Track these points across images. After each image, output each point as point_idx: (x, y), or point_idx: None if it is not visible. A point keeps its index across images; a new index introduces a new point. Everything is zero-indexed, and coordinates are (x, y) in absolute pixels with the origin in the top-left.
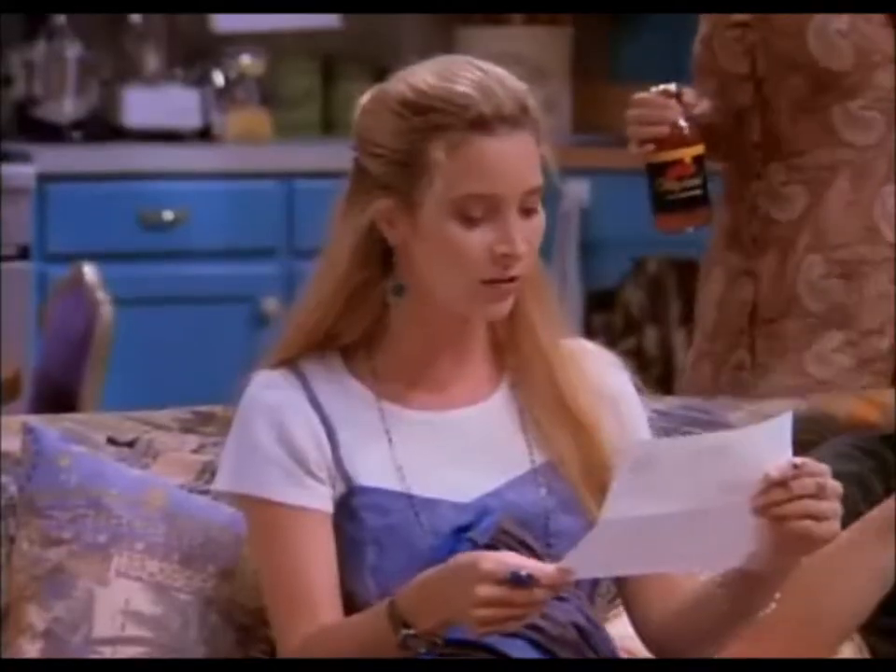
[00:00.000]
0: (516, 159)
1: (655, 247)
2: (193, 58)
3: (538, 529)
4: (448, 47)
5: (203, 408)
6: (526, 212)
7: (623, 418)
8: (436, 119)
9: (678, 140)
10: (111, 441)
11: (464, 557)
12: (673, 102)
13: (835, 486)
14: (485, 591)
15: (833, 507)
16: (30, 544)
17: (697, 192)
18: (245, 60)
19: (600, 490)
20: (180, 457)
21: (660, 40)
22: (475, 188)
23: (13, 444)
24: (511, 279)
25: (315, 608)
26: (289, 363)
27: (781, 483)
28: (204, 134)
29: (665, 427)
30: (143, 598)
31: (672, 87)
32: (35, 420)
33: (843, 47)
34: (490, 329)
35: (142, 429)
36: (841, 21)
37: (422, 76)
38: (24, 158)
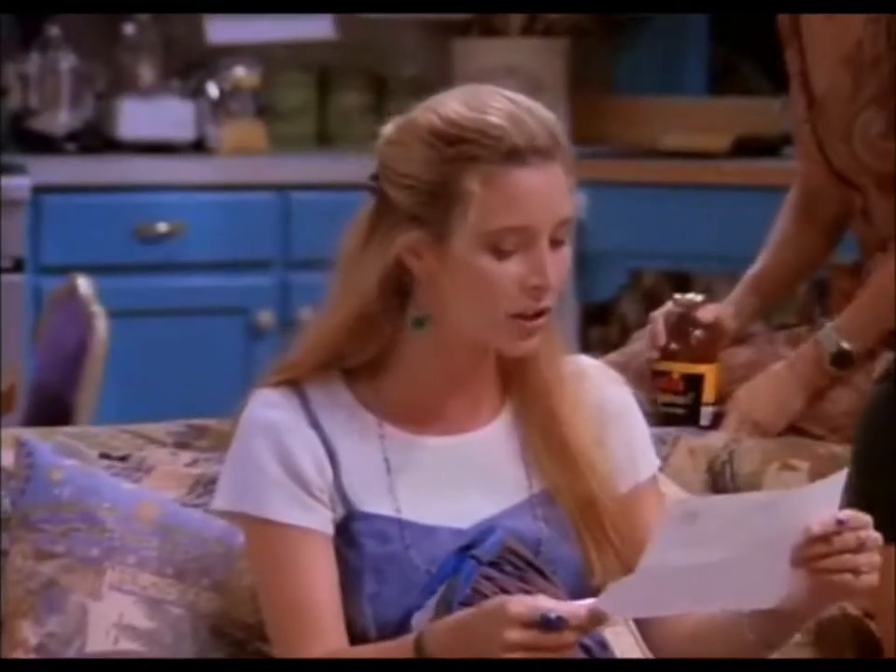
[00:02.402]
0: (549, 190)
1: (652, 260)
2: (188, 70)
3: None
4: (444, 59)
5: (198, 421)
6: (555, 244)
7: (628, 434)
8: (469, 150)
9: (668, 354)
10: (104, 457)
11: (493, 601)
12: (675, 316)
13: (876, 538)
14: (514, 635)
15: (872, 560)
16: (23, 559)
17: (678, 410)
18: (240, 72)
19: (596, 520)
20: (173, 471)
21: (656, 52)
22: (510, 220)
23: (7, 458)
24: (540, 313)
25: (320, 627)
26: (292, 383)
27: (823, 539)
28: (199, 146)
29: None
30: (136, 612)
31: (694, 298)
32: (29, 434)
33: (887, 150)
34: (498, 355)
35: (135, 443)
36: (878, 123)
37: (452, 105)
38: (19, 170)
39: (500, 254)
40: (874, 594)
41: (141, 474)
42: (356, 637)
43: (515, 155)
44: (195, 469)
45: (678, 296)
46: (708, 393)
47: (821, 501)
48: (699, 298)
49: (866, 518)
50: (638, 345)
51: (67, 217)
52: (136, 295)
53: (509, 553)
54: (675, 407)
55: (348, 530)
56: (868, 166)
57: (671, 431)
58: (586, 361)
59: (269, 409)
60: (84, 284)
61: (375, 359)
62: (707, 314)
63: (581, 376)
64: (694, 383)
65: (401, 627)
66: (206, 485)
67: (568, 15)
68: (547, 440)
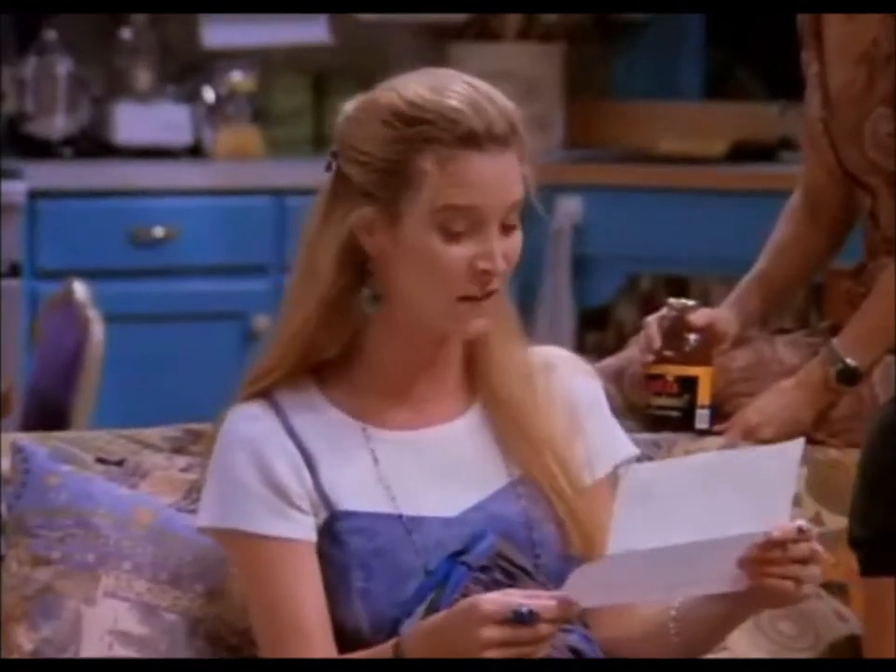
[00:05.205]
0: (502, 175)
1: (649, 264)
2: (184, 74)
3: (523, 541)
4: (440, 63)
5: (193, 426)
6: (506, 229)
7: (597, 425)
8: (426, 131)
9: (662, 358)
10: (100, 461)
11: (464, 601)
12: (669, 320)
13: (822, 552)
14: (489, 633)
15: (816, 573)
16: (19, 564)
17: (673, 413)
18: (236, 76)
19: (574, 499)
20: (169, 476)
21: (653, 57)
22: (460, 199)
23: (4, 463)
24: (488, 295)
25: (307, 638)
26: (264, 394)
27: (780, 544)
28: (195, 151)
29: None
30: (130, 618)
31: (687, 302)
32: (25, 439)
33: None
34: (465, 344)
35: (131, 448)
36: (889, 121)
37: (413, 87)
38: (15, 174)
39: (450, 236)
40: (867, 627)
41: (137, 479)
42: (349, 636)
43: (471, 139)
44: (191, 475)
45: (671, 300)
46: (703, 396)
47: (778, 469)
48: (692, 302)
49: (815, 529)
50: (635, 350)
51: (64, 221)
52: (132, 300)
53: (499, 559)
54: (670, 410)
55: (332, 531)
56: (878, 165)
57: (667, 436)
58: (554, 352)
59: (245, 422)
60: (80, 288)
61: (343, 354)
62: (700, 318)
63: (549, 368)
64: (689, 385)
65: (396, 624)
66: (202, 490)
67: (565, 19)
68: (518, 431)
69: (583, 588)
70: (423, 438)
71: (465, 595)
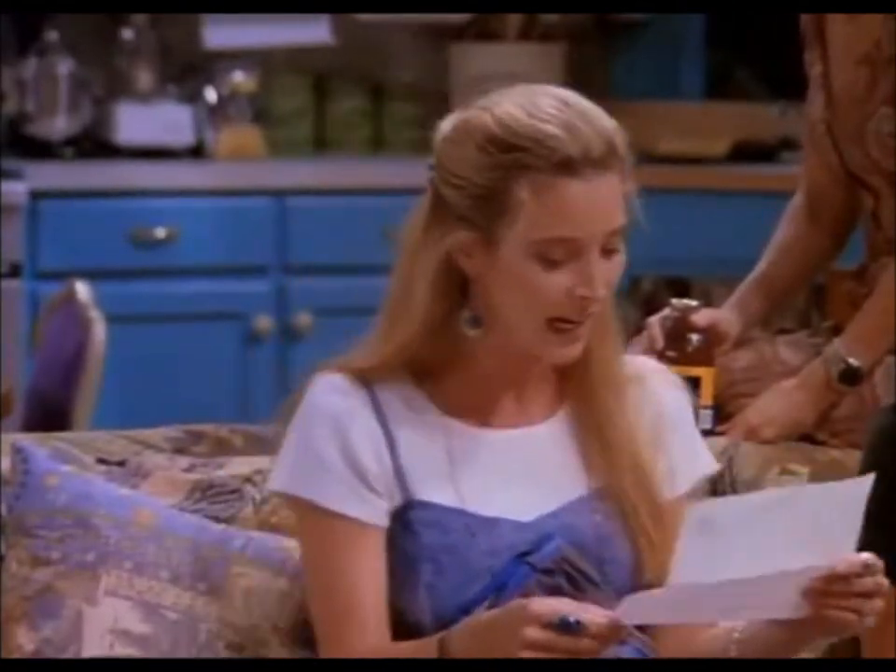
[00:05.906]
0: (601, 201)
1: (650, 266)
2: (185, 75)
3: (592, 555)
4: (441, 64)
5: (195, 427)
6: (608, 252)
7: (680, 440)
8: (522, 158)
9: (665, 358)
10: (101, 462)
11: (517, 601)
12: (672, 321)
13: (886, 585)
14: (532, 633)
15: (878, 606)
16: (19, 564)
17: None
18: (238, 76)
19: (650, 521)
20: (171, 476)
21: (654, 57)
22: (558, 231)
23: (4, 464)
24: (585, 319)
25: (362, 625)
26: (358, 375)
27: (845, 578)
28: (197, 151)
29: None
30: (131, 617)
31: (690, 302)
32: (25, 439)
33: None
34: None
35: (132, 448)
36: (891, 122)
37: (508, 109)
38: (16, 175)
39: (548, 263)
40: (869, 633)
41: (138, 479)
42: (410, 628)
43: (568, 166)
44: (192, 475)
45: (674, 301)
46: (706, 396)
47: (845, 505)
48: (695, 303)
49: (881, 563)
50: (637, 350)
51: (65, 222)
52: (134, 300)
53: (564, 563)
54: None
55: (405, 518)
56: (881, 165)
57: None
58: (646, 364)
59: (333, 395)
60: (82, 289)
61: (445, 363)
62: (702, 318)
63: (640, 380)
64: (692, 385)
65: (457, 622)
66: (204, 491)
67: (565, 19)
68: (602, 441)
69: (637, 610)
70: (504, 439)
71: (526, 597)
